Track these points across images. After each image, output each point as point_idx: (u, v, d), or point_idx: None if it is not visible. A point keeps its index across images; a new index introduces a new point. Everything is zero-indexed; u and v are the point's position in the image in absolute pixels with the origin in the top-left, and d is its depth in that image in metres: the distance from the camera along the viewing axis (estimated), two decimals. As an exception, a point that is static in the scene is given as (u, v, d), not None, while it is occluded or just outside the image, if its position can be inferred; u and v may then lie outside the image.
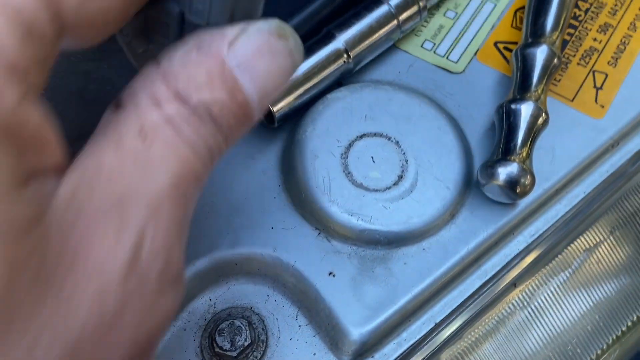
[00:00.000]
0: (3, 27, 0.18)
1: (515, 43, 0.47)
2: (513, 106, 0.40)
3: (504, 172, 0.38)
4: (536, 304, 0.44)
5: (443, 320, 0.39)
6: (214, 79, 0.23)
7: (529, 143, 0.39)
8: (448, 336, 0.40)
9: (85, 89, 0.41)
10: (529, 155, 0.39)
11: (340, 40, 0.42)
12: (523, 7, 0.48)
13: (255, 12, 0.26)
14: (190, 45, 0.24)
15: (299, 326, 0.38)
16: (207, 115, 0.23)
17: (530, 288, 0.44)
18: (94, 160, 0.22)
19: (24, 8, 0.19)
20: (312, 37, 0.43)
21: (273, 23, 0.25)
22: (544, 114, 0.40)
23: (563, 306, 0.45)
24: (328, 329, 0.38)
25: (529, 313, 0.44)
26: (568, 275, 0.45)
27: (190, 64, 0.23)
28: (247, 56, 0.24)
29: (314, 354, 0.38)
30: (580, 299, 0.45)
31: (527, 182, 0.38)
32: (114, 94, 0.40)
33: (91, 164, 0.22)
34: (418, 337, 0.38)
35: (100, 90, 0.41)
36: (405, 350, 0.38)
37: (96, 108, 0.40)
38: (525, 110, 0.39)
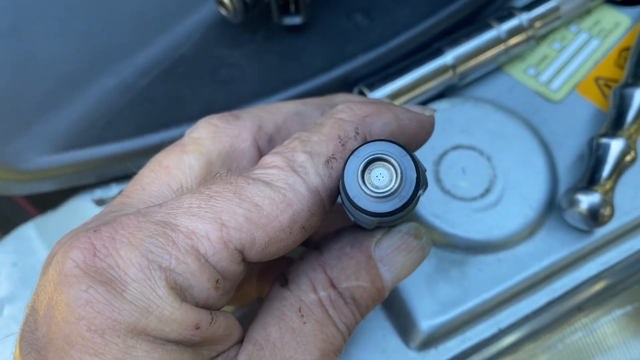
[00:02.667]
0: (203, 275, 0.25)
1: (616, 81, 0.49)
2: (604, 140, 0.42)
3: (586, 200, 0.40)
4: (599, 331, 0.46)
5: (507, 328, 0.42)
6: (361, 269, 0.30)
7: (613, 177, 0.41)
8: (509, 344, 0.43)
9: (217, 72, 0.46)
10: (612, 188, 0.41)
11: (449, 56, 0.46)
12: (628, 48, 0.50)
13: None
14: (346, 242, 0.30)
15: (374, 309, 0.42)
16: (350, 299, 0.30)
17: (595, 315, 0.46)
18: (262, 333, 0.29)
19: (217, 265, 0.25)
20: (423, 50, 0.47)
21: (412, 225, 0.31)
22: (632, 152, 0.42)
23: (625, 339, 0.47)
24: (400, 316, 0.41)
25: (590, 339, 0.46)
26: (635, 309, 0.47)
27: (345, 256, 0.30)
28: (388, 252, 0.30)
29: (384, 336, 0.42)
30: (643, 334, 0.47)
31: (606, 213, 0.40)
32: (242, 79, 0.45)
33: (260, 336, 0.29)
34: (481, 338, 0.41)
35: (230, 74, 0.46)
36: (467, 348, 0.41)
37: (224, 89, 0.46)
38: (616, 146, 0.42)
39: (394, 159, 0.25)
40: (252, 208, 0.25)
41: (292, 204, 0.26)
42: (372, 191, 0.25)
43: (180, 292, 0.25)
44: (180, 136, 0.44)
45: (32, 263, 0.48)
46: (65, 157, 0.45)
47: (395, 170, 0.25)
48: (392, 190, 0.24)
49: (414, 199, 0.25)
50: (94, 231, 0.25)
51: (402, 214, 0.26)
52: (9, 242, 0.49)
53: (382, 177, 0.25)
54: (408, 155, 0.25)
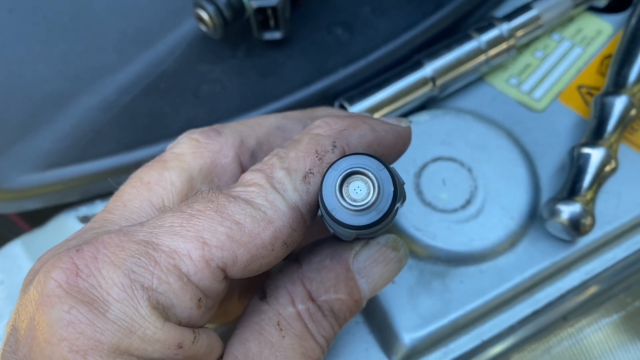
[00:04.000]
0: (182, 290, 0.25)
1: (598, 89, 0.48)
2: (584, 150, 0.42)
3: (567, 211, 0.40)
4: (585, 340, 0.46)
5: (490, 340, 0.42)
6: (339, 282, 0.30)
7: (594, 187, 0.41)
8: (494, 355, 0.43)
9: (198, 88, 0.46)
10: (593, 198, 0.41)
11: (428, 69, 0.46)
12: (611, 55, 0.50)
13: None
14: (325, 255, 0.31)
15: (356, 322, 0.42)
16: (329, 311, 0.30)
17: (581, 324, 0.46)
18: (241, 348, 0.29)
19: (199, 284, 0.25)
20: (404, 63, 0.47)
21: (390, 237, 0.32)
22: (613, 162, 0.42)
23: (612, 347, 0.46)
24: (382, 329, 0.41)
25: (577, 348, 0.46)
26: (620, 317, 0.46)
27: (324, 269, 0.30)
28: (366, 264, 0.31)
29: (367, 350, 0.41)
30: (630, 343, 0.47)
31: (587, 222, 0.40)
32: (223, 94, 0.45)
33: (239, 352, 0.29)
34: (465, 350, 0.41)
35: (211, 89, 0.46)
36: (450, 361, 0.41)
37: (206, 105, 0.46)
38: (596, 155, 0.42)
39: (371, 173, 0.25)
40: (233, 226, 0.26)
41: (273, 221, 0.26)
42: (350, 204, 0.25)
43: (163, 312, 0.25)
44: (162, 152, 0.45)
45: (19, 281, 0.48)
46: (49, 175, 0.45)
47: (373, 183, 0.25)
48: (369, 204, 0.25)
49: (391, 212, 0.25)
50: (77, 250, 0.25)
51: (380, 226, 0.26)
52: (-4, 260, 0.49)
53: (360, 191, 0.25)
54: (385, 169, 0.25)
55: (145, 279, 0.24)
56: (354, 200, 0.25)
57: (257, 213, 0.26)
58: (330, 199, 0.25)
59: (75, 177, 0.45)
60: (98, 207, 0.48)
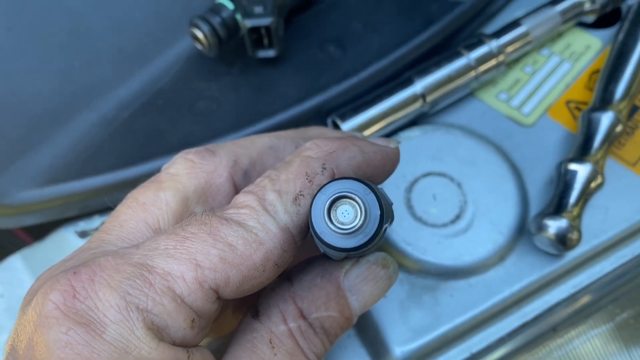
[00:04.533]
0: (176, 312, 0.26)
1: (587, 104, 0.49)
2: (571, 166, 0.43)
3: (554, 226, 0.41)
4: (575, 351, 0.47)
5: (480, 352, 0.43)
6: (330, 300, 0.31)
7: (580, 203, 0.42)
8: (483, 367, 0.44)
9: (194, 104, 0.47)
10: (579, 214, 0.42)
11: (418, 86, 0.47)
12: (599, 71, 0.51)
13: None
14: (316, 273, 0.31)
15: (348, 335, 0.43)
16: (320, 328, 0.31)
17: (570, 335, 0.47)
18: None
19: (192, 305, 0.26)
20: (395, 79, 0.48)
21: (380, 255, 0.33)
22: (599, 177, 0.43)
23: (601, 357, 0.47)
24: (374, 342, 0.42)
25: (566, 359, 0.47)
26: (609, 328, 0.47)
27: (315, 287, 0.31)
28: (357, 282, 0.32)
29: (358, 363, 0.42)
30: (619, 353, 0.47)
31: (574, 237, 0.41)
32: (219, 111, 0.46)
33: None
34: (454, 363, 0.42)
35: (207, 106, 0.47)
36: (440, 373, 0.42)
37: (202, 122, 0.47)
38: (582, 171, 0.42)
39: (358, 197, 0.26)
40: (226, 248, 0.26)
41: (264, 243, 0.27)
42: (338, 228, 0.26)
43: (158, 332, 0.26)
44: (159, 169, 0.46)
45: (20, 294, 0.49)
46: (48, 191, 0.46)
47: (360, 207, 0.26)
48: (356, 227, 0.26)
49: (377, 234, 0.26)
50: (74, 273, 0.25)
51: (367, 248, 0.27)
52: (-4, 274, 0.50)
53: (348, 214, 0.26)
54: (372, 193, 0.26)
55: (140, 300, 0.25)
56: (342, 224, 0.26)
57: (249, 235, 0.27)
58: (319, 223, 0.26)
59: (74, 192, 0.46)
60: (96, 222, 0.49)
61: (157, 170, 0.45)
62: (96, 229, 0.49)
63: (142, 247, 0.27)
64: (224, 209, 0.28)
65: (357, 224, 0.26)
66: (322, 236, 0.26)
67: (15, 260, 0.51)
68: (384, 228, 0.26)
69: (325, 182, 0.28)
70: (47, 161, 0.46)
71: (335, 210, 0.26)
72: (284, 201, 0.28)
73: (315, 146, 0.30)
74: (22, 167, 0.46)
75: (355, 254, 0.27)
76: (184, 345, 0.27)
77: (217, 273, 0.26)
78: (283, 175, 0.29)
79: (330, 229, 0.26)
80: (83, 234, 0.48)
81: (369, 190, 0.26)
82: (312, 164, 0.29)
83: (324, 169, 0.29)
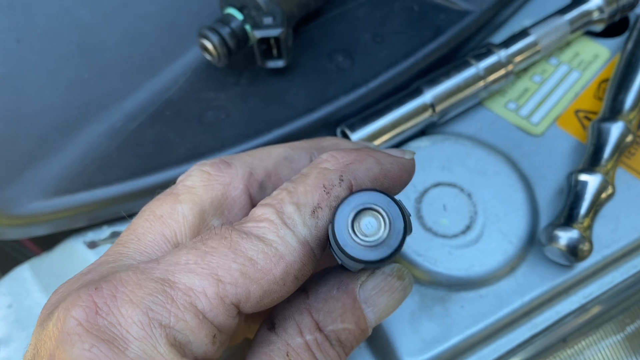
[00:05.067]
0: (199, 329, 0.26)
1: (596, 113, 0.49)
2: (581, 177, 0.43)
3: (565, 237, 0.41)
4: (585, 361, 0.47)
5: (491, 363, 0.43)
6: (346, 312, 0.30)
7: (591, 214, 0.42)
8: (494, 378, 0.44)
9: (203, 114, 0.47)
10: (590, 225, 0.42)
11: (428, 95, 0.47)
12: (607, 80, 0.51)
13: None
14: (332, 285, 0.31)
15: (359, 346, 0.43)
16: (336, 341, 0.30)
17: (581, 346, 0.47)
18: None
19: (214, 320, 0.26)
20: (404, 89, 0.48)
21: (395, 267, 0.32)
22: (610, 188, 0.42)
23: (611, 368, 0.47)
24: (384, 353, 0.42)
25: (577, 369, 0.46)
26: (620, 339, 0.47)
27: (331, 299, 0.31)
28: (372, 293, 0.31)
29: (369, 375, 0.42)
30: (630, 363, 0.47)
31: (585, 248, 0.41)
32: (228, 121, 0.46)
33: None
34: (465, 374, 0.42)
35: (215, 116, 0.47)
36: (451, 385, 0.42)
37: (211, 132, 0.47)
38: (593, 182, 0.42)
39: (382, 209, 0.26)
40: (246, 263, 0.26)
41: (284, 257, 0.27)
42: (362, 240, 0.26)
43: (180, 349, 0.25)
44: (168, 179, 0.46)
45: (28, 305, 0.49)
46: (57, 202, 0.46)
47: (384, 219, 0.26)
48: (381, 240, 0.26)
49: (401, 246, 0.26)
50: (95, 288, 0.25)
51: (390, 260, 0.26)
52: (5, 284, 0.50)
53: (371, 226, 0.26)
54: (395, 205, 0.26)
55: (163, 316, 0.25)
56: (365, 236, 0.26)
57: (269, 249, 0.27)
58: (343, 235, 0.26)
59: (83, 203, 0.46)
60: (105, 232, 0.49)
61: (166, 181, 0.46)
62: (105, 240, 0.49)
63: (163, 262, 0.27)
64: (242, 222, 0.28)
65: (382, 236, 0.26)
66: (345, 248, 0.26)
67: (24, 271, 0.51)
68: (407, 235, 0.26)
69: (343, 194, 0.28)
70: (56, 172, 0.46)
71: (359, 222, 0.26)
72: (302, 214, 0.28)
73: (332, 158, 0.30)
74: (31, 177, 0.46)
75: (375, 266, 0.27)
76: None
77: (238, 288, 0.26)
78: (301, 187, 0.29)
79: (354, 241, 0.26)
80: (92, 245, 0.48)
81: (392, 202, 0.26)
82: (329, 176, 0.29)
83: (342, 180, 0.29)
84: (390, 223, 0.26)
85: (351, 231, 0.26)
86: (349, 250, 0.26)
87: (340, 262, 0.30)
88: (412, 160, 0.33)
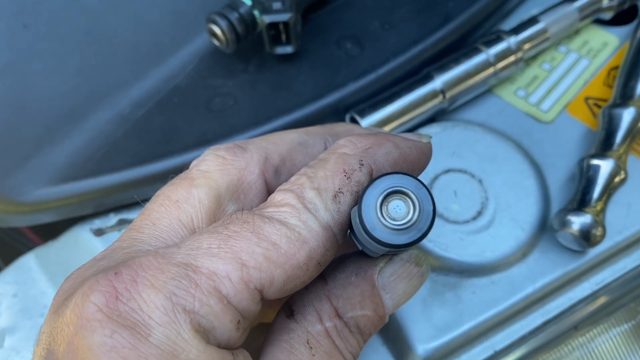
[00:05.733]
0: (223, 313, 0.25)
1: (606, 100, 0.49)
2: (594, 162, 0.43)
3: (578, 222, 0.41)
4: (596, 350, 0.46)
5: (502, 350, 0.42)
6: (365, 298, 0.30)
7: (604, 198, 0.42)
8: (506, 366, 0.43)
9: (211, 101, 0.47)
10: (603, 209, 0.41)
11: (438, 82, 0.46)
12: (617, 67, 0.50)
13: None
14: (350, 271, 0.31)
15: (370, 334, 0.43)
16: (355, 327, 0.30)
17: (592, 334, 0.46)
18: None
19: (238, 305, 0.26)
20: (413, 76, 0.48)
21: (413, 253, 0.32)
22: (622, 173, 0.42)
23: (622, 356, 0.47)
24: (396, 341, 0.42)
25: (588, 357, 0.46)
26: (631, 326, 0.47)
27: (350, 285, 0.30)
28: (391, 280, 0.31)
29: (381, 361, 0.42)
30: (641, 352, 0.47)
31: (598, 233, 0.41)
32: (236, 108, 0.46)
33: None
34: (477, 361, 0.42)
35: (224, 103, 0.47)
36: (463, 371, 0.41)
37: (218, 119, 0.46)
38: (605, 167, 0.42)
39: (412, 192, 0.25)
40: (270, 247, 0.26)
41: (307, 242, 0.26)
42: (391, 223, 0.25)
43: (204, 334, 0.25)
44: (175, 166, 0.45)
45: (33, 294, 0.49)
46: (64, 188, 0.46)
47: (413, 202, 0.25)
48: (411, 223, 0.25)
49: (430, 229, 0.25)
50: (115, 273, 0.25)
51: (416, 244, 0.26)
52: (10, 273, 0.49)
53: (400, 209, 0.25)
54: (424, 188, 0.26)
55: (187, 301, 0.24)
56: (394, 220, 0.25)
57: (292, 233, 0.26)
58: (370, 218, 0.25)
59: (89, 190, 0.46)
60: (112, 220, 0.48)
61: (174, 168, 0.46)
62: (111, 227, 0.48)
63: (183, 247, 0.26)
64: (262, 207, 0.28)
65: (412, 219, 0.25)
66: (372, 232, 0.25)
67: (29, 260, 0.50)
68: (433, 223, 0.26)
69: (364, 179, 0.27)
70: (63, 159, 0.46)
71: (387, 205, 0.26)
72: (324, 199, 0.27)
73: (350, 143, 0.30)
74: (38, 164, 0.46)
75: (400, 250, 0.27)
76: (229, 347, 0.26)
77: (262, 272, 0.26)
78: (320, 172, 0.28)
79: (383, 224, 0.25)
80: (99, 232, 0.48)
81: (421, 185, 0.26)
82: (349, 161, 0.28)
83: (362, 165, 0.28)
84: (419, 206, 0.25)
85: (380, 214, 0.25)
86: (377, 234, 0.25)
87: (360, 248, 0.29)
88: (429, 143, 0.33)
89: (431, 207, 0.25)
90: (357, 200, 0.27)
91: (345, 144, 0.30)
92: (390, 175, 0.26)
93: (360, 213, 0.25)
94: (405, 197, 0.25)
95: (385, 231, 0.25)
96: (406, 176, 0.26)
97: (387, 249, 0.26)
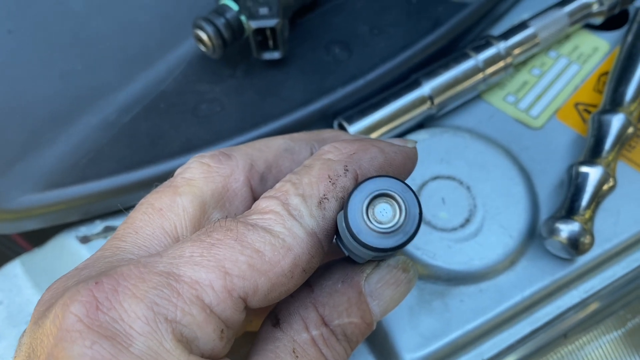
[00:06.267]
0: (205, 322, 0.25)
1: (595, 106, 0.49)
2: (582, 169, 0.42)
3: (566, 229, 0.40)
4: (585, 358, 0.46)
5: (491, 359, 0.42)
6: (352, 306, 0.30)
7: (592, 206, 0.41)
8: (494, 374, 0.43)
9: (198, 107, 0.47)
10: (591, 217, 0.41)
11: (426, 88, 0.46)
12: (608, 72, 0.50)
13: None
14: (337, 278, 0.30)
15: (357, 343, 0.42)
16: (342, 335, 0.30)
17: (581, 341, 0.46)
18: None
19: (221, 314, 0.25)
20: (402, 81, 0.48)
21: (400, 259, 0.32)
22: (611, 180, 0.42)
23: (612, 363, 0.46)
24: (383, 349, 0.41)
25: (577, 365, 0.46)
26: (620, 334, 0.46)
27: (336, 293, 0.30)
28: (378, 286, 0.31)
29: (367, 370, 0.41)
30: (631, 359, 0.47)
31: (586, 241, 0.40)
32: (223, 114, 0.45)
33: None
34: (464, 370, 0.41)
35: (210, 109, 0.47)
36: (451, 381, 0.41)
37: (205, 125, 0.46)
38: (594, 174, 0.42)
39: (398, 195, 0.25)
40: (254, 255, 0.25)
41: (292, 249, 0.26)
42: (377, 227, 0.25)
43: (187, 344, 0.24)
44: (162, 172, 0.45)
45: (19, 301, 0.48)
46: (49, 195, 0.45)
47: (400, 205, 0.25)
48: (397, 226, 0.25)
49: (416, 233, 0.25)
50: (95, 283, 0.24)
51: (402, 248, 0.26)
52: (-4, 281, 0.49)
53: (386, 213, 0.25)
54: (410, 191, 0.25)
55: (168, 311, 0.24)
56: (380, 223, 0.25)
57: (277, 241, 0.26)
58: (357, 222, 0.25)
59: (75, 197, 0.45)
60: (98, 227, 0.48)
61: (160, 175, 0.45)
62: (97, 234, 0.48)
63: (166, 255, 0.26)
64: (246, 215, 0.27)
65: (398, 222, 0.25)
66: (358, 235, 0.25)
67: (15, 267, 0.50)
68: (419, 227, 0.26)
69: (349, 184, 0.27)
70: (48, 165, 0.45)
71: (373, 209, 0.25)
72: (308, 205, 0.27)
73: (334, 149, 0.30)
74: (22, 171, 0.45)
75: (387, 255, 0.26)
76: (213, 357, 0.26)
77: (245, 281, 0.25)
78: (305, 179, 0.28)
79: (369, 228, 0.25)
80: (84, 239, 0.47)
81: (407, 188, 0.25)
82: (334, 167, 0.28)
83: (347, 170, 0.28)
84: (406, 209, 0.25)
85: (366, 217, 0.25)
86: (363, 237, 0.25)
87: (347, 254, 0.29)
88: (415, 148, 0.33)
89: (417, 210, 0.25)
90: (343, 206, 0.26)
91: (330, 150, 0.30)
92: (376, 179, 0.26)
93: (346, 217, 0.25)
94: (391, 200, 0.25)
95: (372, 235, 0.25)
96: (392, 179, 0.25)
97: (373, 254, 0.26)
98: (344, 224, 0.26)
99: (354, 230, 0.25)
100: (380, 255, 0.27)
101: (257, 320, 0.34)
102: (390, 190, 0.25)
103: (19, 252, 0.52)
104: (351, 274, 0.31)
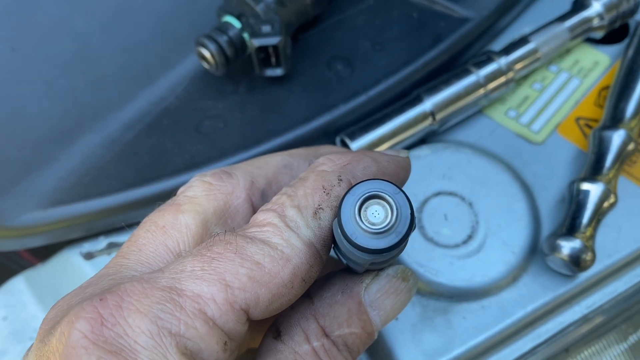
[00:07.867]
0: (209, 336, 0.25)
1: (596, 121, 0.49)
2: (583, 186, 0.42)
3: (567, 247, 0.41)
4: (588, 371, 0.46)
5: (493, 375, 0.42)
6: (352, 316, 0.30)
7: (593, 223, 0.41)
8: (496, 390, 0.43)
9: (200, 124, 0.47)
10: (592, 234, 0.41)
11: (428, 104, 0.46)
12: (608, 87, 0.50)
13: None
14: (336, 289, 0.31)
15: (360, 359, 0.43)
16: (343, 346, 0.30)
17: (583, 355, 0.46)
18: None
19: (224, 327, 0.25)
20: (404, 97, 0.48)
21: (399, 268, 0.32)
22: (612, 197, 0.42)
23: (614, 378, 0.46)
24: (386, 366, 0.42)
25: (580, 379, 0.46)
26: (623, 349, 0.47)
27: (336, 304, 0.30)
28: (377, 296, 0.31)
29: (370, 388, 0.42)
30: (633, 373, 0.47)
31: (588, 258, 0.40)
32: (225, 130, 0.46)
33: None
34: (467, 387, 0.41)
35: (213, 125, 0.47)
36: (454, 398, 0.41)
37: (208, 141, 0.46)
38: (595, 191, 0.42)
39: (389, 196, 0.25)
40: (254, 267, 0.26)
41: (291, 259, 0.27)
42: (369, 228, 0.25)
43: (191, 357, 0.25)
44: (165, 190, 0.45)
45: (23, 317, 0.49)
46: (53, 213, 0.46)
47: (391, 206, 0.25)
48: (389, 226, 0.25)
49: (409, 234, 0.26)
50: (100, 299, 0.25)
51: (397, 250, 0.26)
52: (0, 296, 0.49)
53: (378, 214, 0.26)
54: (401, 192, 0.26)
55: (172, 325, 0.24)
56: (373, 224, 0.25)
57: (275, 252, 0.26)
58: (350, 224, 0.26)
59: (79, 214, 0.46)
60: (102, 243, 0.48)
61: (164, 192, 0.45)
62: (101, 251, 0.48)
63: (167, 271, 0.26)
64: (245, 228, 0.28)
65: (390, 222, 0.25)
66: (352, 238, 0.25)
67: (19, 282, 0.50)
68: (412, 229, 0.26)
69: (343, 193, 0.27)
70: (52, 183, 0.46)
71: (365, 211, 0.26)
72: (304, 216, 0.28)
73: (328, 160, 0.30)
74: (26, 188, 0.46)
75: (382, 257, 0.27)
76: None
77: (247, 293, 0.26)
78: (300, 190, 0.29)
79: (362, 229, 0.25)
80: (88, 256, 0.48)
81: (397, 190, 0.26)
82: (327, 177, 0.29)
83: (340, 180, 0.29)
84: (397, 210, 0.25)
85: (358, 219, 0.25)
86: (356, 239, 0.25)
87: (345, 262, 0.29)
88: (408, 158, 0.33)
89: (409, 211, 0.25)
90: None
91: (324, 162, 0.30)
92: (368, 182, 0.26)
93: (340, 220, 0.26)
94: (383, 201, 0.26)
95: (365, 236, 0.25)
96: (383, 182, 0.26)
97: (369, 258, 0.26)
98: (339, 230, 0.26)
99: (348, 233, 0.25)
100: (377, 261, 0.28)
101: (260, 337, 0.35)
102: (381, 192, 0.25)
103: (25, 266, 0.52)
104: (350, 285, 0.31)
